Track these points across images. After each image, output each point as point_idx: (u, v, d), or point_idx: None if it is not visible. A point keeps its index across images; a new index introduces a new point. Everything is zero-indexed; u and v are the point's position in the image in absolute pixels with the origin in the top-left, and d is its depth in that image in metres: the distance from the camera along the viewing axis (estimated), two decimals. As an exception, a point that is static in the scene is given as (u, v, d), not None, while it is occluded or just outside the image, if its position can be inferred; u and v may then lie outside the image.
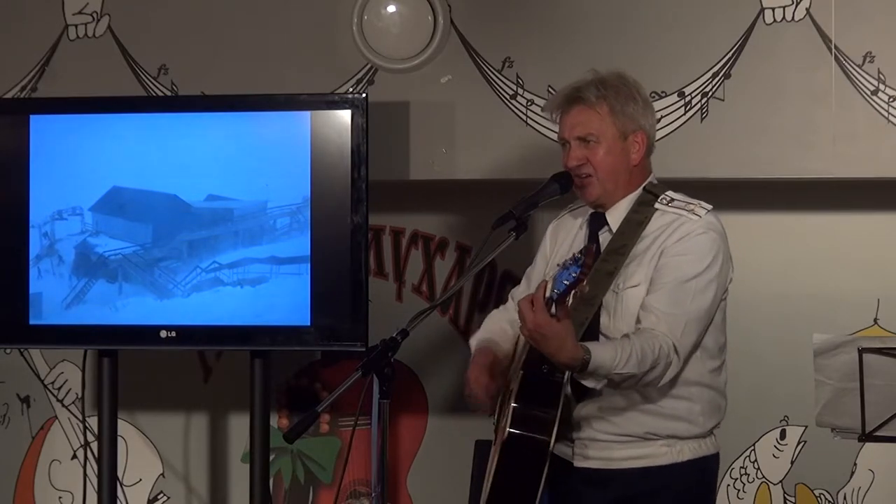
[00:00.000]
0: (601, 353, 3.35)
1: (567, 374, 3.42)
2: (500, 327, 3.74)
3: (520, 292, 3.78)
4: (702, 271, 3.49)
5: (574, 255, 3.28)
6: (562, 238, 3.72)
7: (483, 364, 3.59)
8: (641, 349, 3.38)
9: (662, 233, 3.53)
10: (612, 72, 3.64)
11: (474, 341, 3.73)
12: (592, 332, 3.52)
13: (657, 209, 3.57)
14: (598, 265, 3.55)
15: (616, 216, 3.60)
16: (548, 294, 3.28)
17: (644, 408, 3.52)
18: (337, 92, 4.57)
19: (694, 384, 3.55)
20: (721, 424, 3.65)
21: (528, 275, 3.81)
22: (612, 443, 3.53)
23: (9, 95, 4.75)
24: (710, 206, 3.57)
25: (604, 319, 3.53)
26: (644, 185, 3.62)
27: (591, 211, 3.67)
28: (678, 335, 3.44)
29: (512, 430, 3.43)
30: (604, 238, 3.61)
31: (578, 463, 3.57)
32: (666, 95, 4.43)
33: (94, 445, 4.62)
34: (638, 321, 3.48)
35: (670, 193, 3.60)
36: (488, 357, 3.62)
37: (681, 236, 3.51)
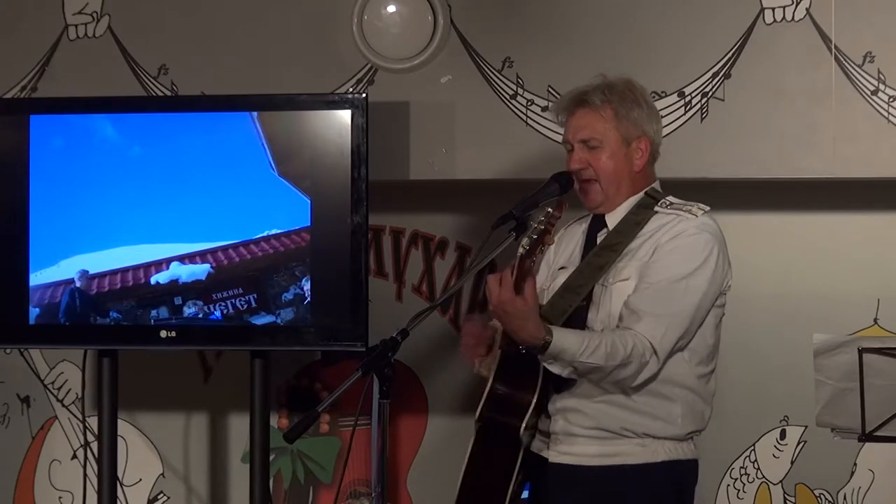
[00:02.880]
0: (566, 339, 3.37)
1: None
2: None
3: None
4: (690, 272, 3.49)
5: (546, 211, 3.27)
6: (564, 245, 3.74)
7: (467, 341, 3.63)
8: (612, 343, 3.39)
9: (658, 231, 3.55)
10: (620, 77, 3.64)
11: None
12: (579, 323, 3.53)
13: (656, 212, 3.58)
14: (590, 258, 3.57)
15: (615, 218, 3.62)
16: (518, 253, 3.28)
17: (621, 402, 3.52)
18: (337, 92, 4.57)
19: (677, 385, 3.54)
20: (702, 434, 3.64)
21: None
22: (585, 437, 3.53)
23: (9, 95, 4.75)
24: (707, 208, 3.58)
25: (591, 313, 3.55)
26: (646, 190, 3.63)
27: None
28: (658, 336, 3.44)
29: (485, 413, 3.45)
30: (601, 239, 3.62)
31: (552, 458, 3.57)
32: (666, 95, 4.43)
33: (94, 445, 4.62)
34: (620, 318, 3.49)
35: (670, 198, 3.61)
36: (471, 331, 3.64)
37: (674, 234, 3.52)
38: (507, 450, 3.47)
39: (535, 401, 3.45)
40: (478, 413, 3.49)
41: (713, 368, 3.64)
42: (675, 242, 3.51)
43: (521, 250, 3.30)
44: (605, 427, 3.52)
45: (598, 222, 3.65)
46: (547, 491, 3.57)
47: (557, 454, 3.56)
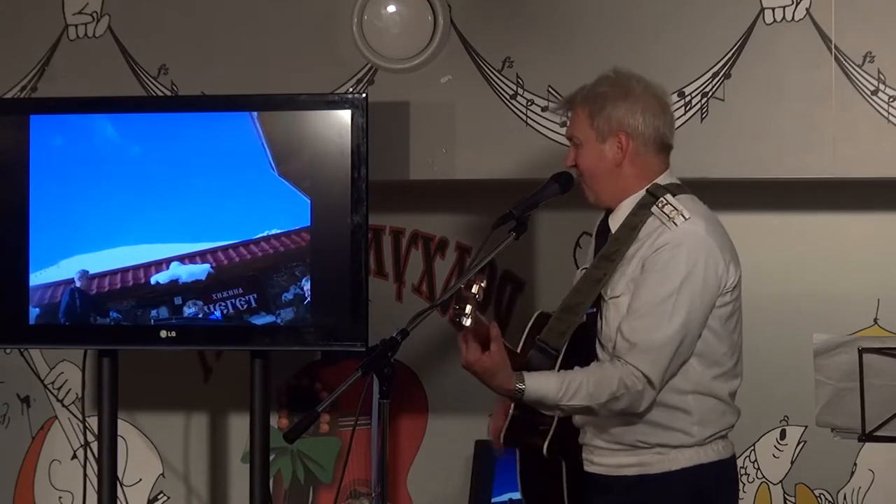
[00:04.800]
0: (542, 386, 3.35)
1: None
2: None
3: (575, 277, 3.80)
4: (674, 290, 3.41)
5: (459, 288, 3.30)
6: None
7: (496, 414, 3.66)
8: (596, 382, 3.37)
9: (647, 240, 3.48)
10: (620, 72, 3.61)
11: None
12: (589, 338, 3.52)
13: (652, 213, 3.51)
14: (589, 271, 3.54)
15: (616, 219, 3.56)
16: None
17: (635, 417, 3.49)
18: (337, 92, 4.57)
19: (689, 393, 3.49)
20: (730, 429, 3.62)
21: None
22: (607, 449, 3.53)
23: (9, 95, 4.75)
24: (689, 215, 3.46)
25: (600, 323, 3.53)
26: (648, 186, 3.57)
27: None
28: (647, 365, 3.39)
29: (508, 436, 3.48)
30: (603, 248, 3.61)
31: (586, 468, 3.58)
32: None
33: (94, 445, 4.62)
34: (615, 343, 3.46)
35: (668, 197, 3.52)
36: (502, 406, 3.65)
37: (655, 249, 3.45)
38: (548, 468, 3.48)
39: (555, 420, 3.45)
40: (502, 437, 3.54)
41: (734, 364, 3.56)
42: (657, 258, 3.44)
43: (466, 322, 3.31)
44: (620, 441, 3.51)
45: (605, 220, 3.64)
46: (587, 496, 3.59)
47: (589, 464, 3.57)
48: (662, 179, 3.57)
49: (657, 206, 3.50)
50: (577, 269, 3.73)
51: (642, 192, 3.55)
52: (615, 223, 3.56)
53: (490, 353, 3.32)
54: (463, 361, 3.36)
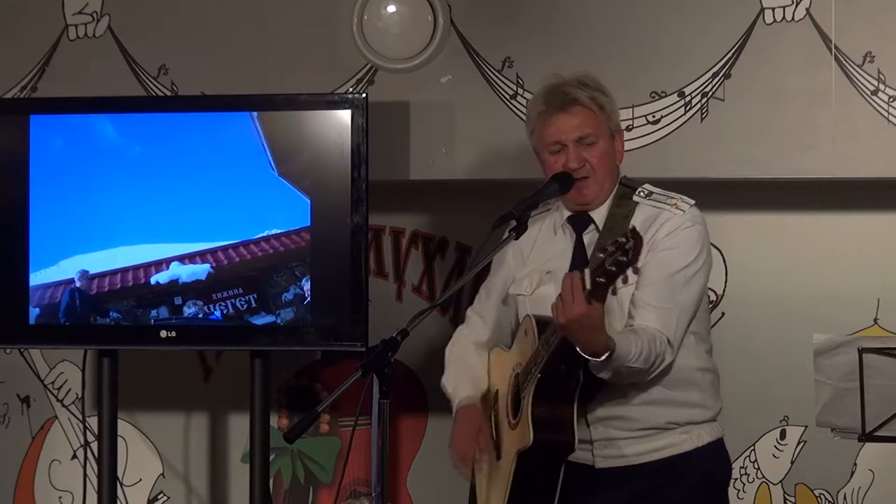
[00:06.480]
0: (622, 344, 3.38)
1: (581, 372, 3.43)
2: (472, 359, 3.77)
3: (481, 306, 3.84)
4: (690, 262, 3.54)
5: (617, 240, 3.17)
6: (527, 249, 3.72)
7: (469, 435, 3.61)
8: (648, 345, 3.43)
9: (649, 227, 3.56)
10: (584, 73, 3.68)
11: (451, 386, 3.75)
12: None
13: (638, 202, 3.62)
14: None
15: (601, 214, 3.64)
16: (587, 285, 3.22)
17: (659, 399, 3.55)
18: (337, 92, 4.57)
19: (698, 370, 3.61)
20: (721, 412, 3.69)
21: (488, 288, 3.84)
22: (631, 439, 3.56)
23: (9, 95, 4.75)
24: (692, 201, 3.62)
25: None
26: (620, 179, 3.69)
27: (566, 214, 3.68)
28: (672, 329, 3.49)
29: (538, 436, 3.43)
30: (588, 238, 3.63)
31: (600, 464, 3.58)
32: (666, 95, 4.43)
33: (94, 445, 4.62)
34: (630, 316, 3.51)
35: (647, 186, 3.66)
36: (474, 425, 3.62)
37: (670, 230, 3.56)
38: (552, 466, 3.46)
39: (575, 413, 3.45)
40: (530, 439, 3.44)
41: (711, 343, 3.70)
42: (674, 238, 3.55)
43: (597, 278, 3.20)
44: (650, 426, 3.56)
45: (580, 220, 3.66)
46: (592, 494, 3.57)
47: (604, 459, 3.58)
48: (625, 174, 3.71)
49: (639, 195, 3.63)
50: (524, 263, 3.73)
51: (617, 186, 3.67)
52: (600, 218, 3.63)
53: (596, 305, 3.26)
54: (574, 314, 3.22)
